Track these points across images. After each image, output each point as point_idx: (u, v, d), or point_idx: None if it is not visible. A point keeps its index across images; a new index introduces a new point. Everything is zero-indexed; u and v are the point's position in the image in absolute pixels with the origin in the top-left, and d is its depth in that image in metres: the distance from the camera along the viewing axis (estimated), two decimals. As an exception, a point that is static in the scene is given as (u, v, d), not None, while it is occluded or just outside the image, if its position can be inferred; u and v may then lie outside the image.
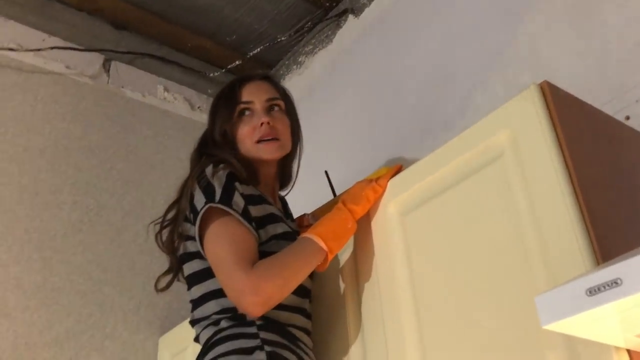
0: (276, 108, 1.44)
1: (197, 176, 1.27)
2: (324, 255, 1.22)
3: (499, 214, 1.06)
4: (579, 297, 0.70)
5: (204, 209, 1.20)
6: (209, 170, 1.26)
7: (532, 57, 1.60)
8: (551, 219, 0.96)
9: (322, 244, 1.21)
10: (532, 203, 1.00)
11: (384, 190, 1.32)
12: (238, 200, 1.22)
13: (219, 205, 1.20)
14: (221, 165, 1.27)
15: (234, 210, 1.20)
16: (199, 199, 1.23)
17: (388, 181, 1.32)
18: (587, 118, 1.13)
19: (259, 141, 1.38)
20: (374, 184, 1.32)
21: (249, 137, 1.38)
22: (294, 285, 1.20)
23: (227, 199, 1.21)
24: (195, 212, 1.23)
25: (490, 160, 1.11)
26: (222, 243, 1.18)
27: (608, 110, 1.28)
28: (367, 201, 1.31)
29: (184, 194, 1.29)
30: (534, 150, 1.03)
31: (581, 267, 0.89)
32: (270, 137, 1.37)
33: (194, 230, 1.23)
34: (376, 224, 1.32)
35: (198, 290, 1.28)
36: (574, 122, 1.06)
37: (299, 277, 1.20)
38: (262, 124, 1.37)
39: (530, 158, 1.03)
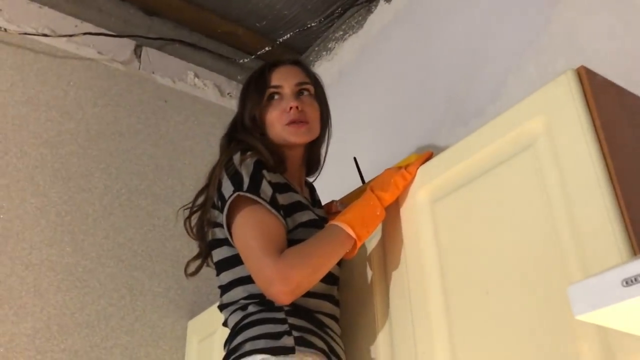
0: (305, 93, 1.43)
1: (224, 164, 1.27)
2: (352, 242, 1.21)
3: (532, 202, 1.04)
4: (615, 287, 0.68)
5: (232, 197, 1.21)
6: (236, 158, 1.26)
7: (568, 42, 1.56)
8: (586, 208, 0.94)
9: (351, 232, 1.20)
10: (567, 192, 0.98)
11: (413, 178, 1.31)
12: (266, 189, 1.22)
13: (247, 194, 1.20)
14: (249, 153, 1.27)
15: (261, 198, 1.20)
16: (227, 187, 1.23)
17: (417, 168, 1.31)
18: (625, 105, 1.09)
19: (287, 125, 1.37)
20: (403, 170, 1.31)
21: (278, 121, 1.38)
22: (322, 273, 1.20)
23: (255, 187, 1.21)
24: (223, 200, 1.23)
25: (523, 147, 1.08)
26: (251, 231, 1.19)
27: (647, 97, 1.24)
28: (395, 188, 1.30)
29: (212, 181, 1.29)
30: (569, 138, 1.00)
31: (617, 257, 0.87)
32: (299, 121, 1.37)
33: (222, 218, 1.23)
34: (405, 210, 1.30)
35: (227, 277, 1.28)
36: (611, 108, 1.03)
37: (328, 264, 1.20)
38: (290, 107, 1.37)
39: (565, 146, 1.01)
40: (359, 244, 1.22)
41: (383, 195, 1.28)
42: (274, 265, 1.12)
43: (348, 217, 1.23)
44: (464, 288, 1.13)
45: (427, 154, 1.36)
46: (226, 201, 1.22)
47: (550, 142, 1.03)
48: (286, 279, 1.11)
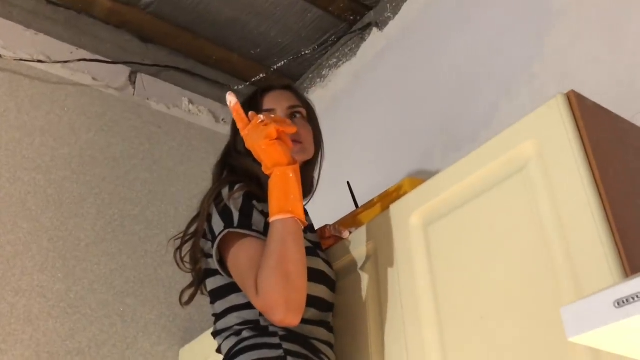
0: (298, 115, 1.43)
1: (214, 198, 1.27)
2: (293, 220, 1.13)
3: (524, 225, 1.04)
4: (607, 308, 0.68)
5: (222, 234, 1.20)
6: (225, 192, 1.25)
7: (559, 68, 1.58)
8: (578, 230, 0.94)
9: (282, 216, 1.13)
10: (558, 214, 0.98)
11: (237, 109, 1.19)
12: (258, 219, 1.21)
13: (238, 230, 1.19)
14: (237, 187, 1.26)
15: (254, 231, 1.19)
16: (217, 222, 1.22)
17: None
18: (614, 129, 1.10)
19: None
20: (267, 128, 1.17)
21: None
22: (300, 273, 1.12)
23: (246, 221, 1.20)
24: (213, 234, 1.23)
25: (515, 170, 1.09)
26: (241, 269, 1.17)
27: (637, 122, 1.25)
28: (266, 139, 1.15)
29: (201, 213, 1.29)
30: (560, 161, 1.01)
31: (609, 279, 0.87)
32: (292, 141, 1.37)
33: (213, 252, 1.23)
34: (398, 235, 1.30)
35: (221, 305, 1.27)
36: (601, 131, 1.04)
37: (297, 262, 1.11)
38: None
39: (556, 168, 1.01)
40: (300, 215, 1.14)
41: (271, 158, 1.15)
42: (258, 300, 1.11)
43: (272, 207, 1.14)
44: (458, 312, 1.12)
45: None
46: (216, 237, 1.21)
47: (542, 165, 1.04)
48: (273, 307, 1.08)
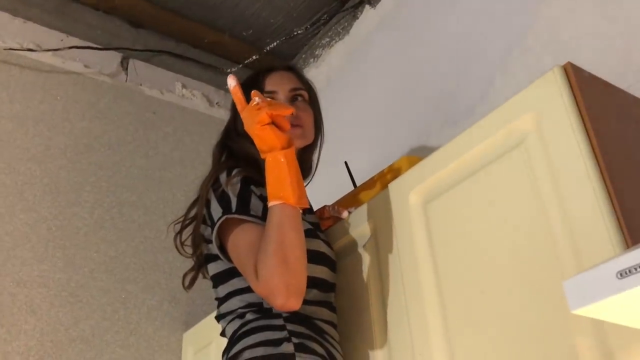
0: (300, 98, 1.42)
1: (212, 183, 1.26)
2: (289, 206, 1.12)
3: (524, 199, 1.04)
4: (609, 280, 0.68)
5: (221, 220, 1.19)
6: (222, 178, 1.25)
7: (554, 40, 1.57)
8: (578, 202, 0.94)
9: (276, 202, 1.11)
10: (558, 187, 0.98)
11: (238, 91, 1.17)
12: (256, 204, 1.21)
13: (236, 216, 1.18)
14: (235, 172, 1.25)
15: (252, 216, 1.19)
16: (215, 208, 1.22)
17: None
18: (612, 99, 1.10)
19: None
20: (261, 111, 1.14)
21: None
22: (299, 257, 1.11)
23: (244, 206, 1.19)
24: (212, 220, 1.23)
25: (513, 145, 1.08)
26: (241, 254, 1.17)
27: (634, 92, 1.24)
28: (258, 124, 1.13)
29: (200, 199, 1.28)
30: (558, 134, 1.00)
31: (610, 250, 0.87)
32: (293, 125, 1.36)
33: (213, 238, 1.23)
34: (398, 213, 1.30)
35: (224, 289, 1.28)
36: (599, 103, 1.04)
37: (295, 247, 1.10)
38: None
39: (554, 141, 1.01)
40: (292, 201, 1.12)
41: (266, 143, 1.13)
42: (258, 286, 1.10)
43: (268, 192, 1.13)
44: (459, 288, 1.12)
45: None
46: (215, 223, 1.21)
47: (540, 138, 1.04)
48: (274, 291, 1.07)
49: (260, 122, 1.12)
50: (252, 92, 1.17)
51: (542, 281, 0.97)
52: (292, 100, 1.40)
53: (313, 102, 1.47)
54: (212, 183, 1.26)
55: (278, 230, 1.11)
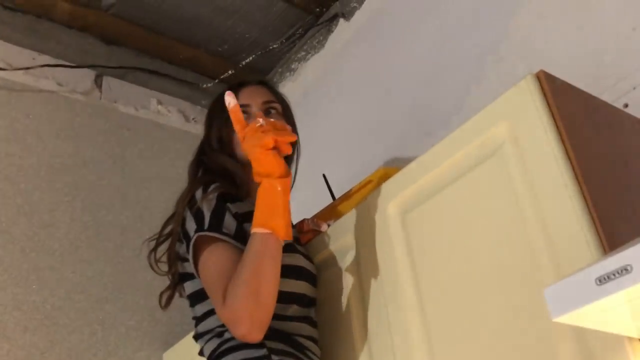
0: (273, 111, 1.42)
1: (187, 201, 1.24)
2: (274, 237, 1.10)
3: (502, 207, 1.04)
4: (589, 286, 0.68)
5: (194, 238, 1.18)
6: (198, 194, 1.23)
7: (526, 48, 1.59)
8: (555, 209, 0.94)
9: (263, 230, 1.10)
10: (535, 194, 0.98)
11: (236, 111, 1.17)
12: (229, 223, 1.19)
13: (208, 233, 1.17)
14: (211, 187, 1.24)
15: (224, 234, 1.17)
16: (190, 225, 1.21)
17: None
18: (585, 106, 1.11)
19: None
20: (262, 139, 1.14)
21: None
22: (271, 290, 1.09)
23: (216, 224, 1.18)
24: (187, 238, 1.21)
25: (489, 153, 1.09)
26: (209, 276, 1.15)
27: (606, 98, 1.26)
28: (261, 148, 1.12)
29: (176, 216, 1.26)
30: (533, 141, 1.01)
31: (588, 257, 0.87)
32: None
33: (189, 256, 1.21)
34: (377, 225, 1.29)
35: (201, 308, 1.26)
36: (572, 111, 1.04)
37: (269, 281, 1.09)
38: None
39: (530, 149, 1.01)
40: (281, 233, 1.10)
41: (264, 169, 1.12)
42: (223, 311, 1.09)
43: (255, 217, 1.12)
44: (440, 298, 1.12)
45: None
46: (190, 240, 1.19)
47: (515, 147, 1.04)
48: (237, 320, 1.06)
49: (264, 147, 1.11)
50: (256, 112, 1.15)
51: (522, 289, 0.96)
52: (266, 112, 1.40)
53: (287, 114, 1.46)
54: (188, 200, 1.25)
55: (257, 260, 1.09)
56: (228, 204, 1.22)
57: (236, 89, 1.42)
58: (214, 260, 1.16)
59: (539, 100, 1.02)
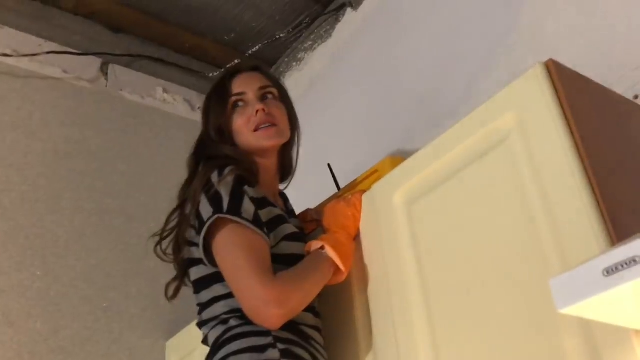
0: (270, 96, 1.40)
1: (203, 186, 1.23)
2: (335, 267, 1.25)
3: (508, 198, 1.03)
4: (596, 278, 0.67)
5: (211, 219, 1.16)
6: (214, 176, 1.22)
7: (536, 39, 1.57)
8: (562, 200, 0.93)
9: (341, 266, 1.24)
10: (542, 185, 0.97)
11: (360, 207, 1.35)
12: (248, 207, 1.18)
13: (227, 216, 1.16)
14: (227, 170, 1.22)
15: (244, 218, 1.16)
16: (205, 208, 1.19)
17: (361, 197, 1.35)
18: (594, 97, 1.09)
19: (256, 129, 1.34)
20: (354, 209, 1.34)
21: (246, 127, 1.35)
22: (312, 298, 1.21)
23: (236, 207, 1.17)
24: (201, 220, 1.19)
25: (496, 143, 1.07)
26: (237, 253, 1.15)
27: (616, 89, 1.24)
28: (354, 221, 1.33)
29: (189, 202, 1.25)
30: (541, 131, 1.00)
31: (595, 248, 0.86)
32: (267, 124, 1.34)
33: (199, 239, 1.20)
34: (382, 214, 1.29)
35: (206, 295, 1.25)
36: (581, 101, 1.03)
37: (316, 290, 1.21)
38: (257, 111, 1.34)
39: (538, 139, 1.00)
40: (346, 274, 1.26)
41: (345, 231, 1.31)
42: (271, 286, 1.10)
43: (341, 257, 1.25)
44: (445, 289, 1.11)
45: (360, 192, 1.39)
46: (204, 223, 1.17)
47: (523, 136, 1.03)
48: (283, 302, 1.10)
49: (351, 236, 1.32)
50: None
51: (528, 280, 0.95)
52: (262, 98, 1.38)
53: (284, 98, 1.45)
54: (203, 184, 1.23)
55: (321, 280, 1.22)
56: (245, 187, 1.21)
57: (230, 77, 1.41)
58: (238, 242, 1.16)
59: (547, 90, 1.00)
